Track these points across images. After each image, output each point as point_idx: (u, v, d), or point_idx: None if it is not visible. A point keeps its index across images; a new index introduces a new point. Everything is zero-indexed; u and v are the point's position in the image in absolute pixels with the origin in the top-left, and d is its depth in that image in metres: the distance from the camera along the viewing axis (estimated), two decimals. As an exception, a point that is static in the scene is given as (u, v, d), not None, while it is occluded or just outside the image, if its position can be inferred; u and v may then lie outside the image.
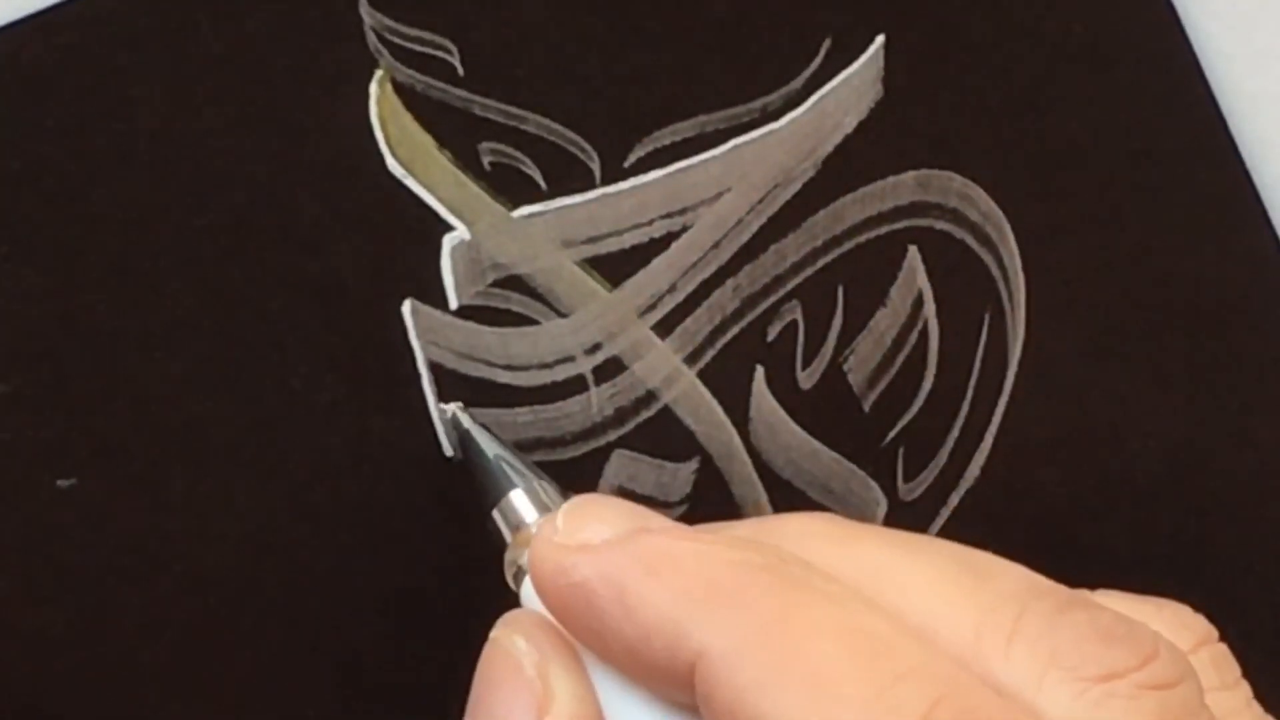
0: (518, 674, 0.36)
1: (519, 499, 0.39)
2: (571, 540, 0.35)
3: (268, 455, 0.41)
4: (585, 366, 0.42)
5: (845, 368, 0.42)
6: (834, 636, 0.32)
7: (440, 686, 0.42)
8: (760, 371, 0.42)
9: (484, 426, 0.42)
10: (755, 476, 0.42)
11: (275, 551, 0.41)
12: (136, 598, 0.41)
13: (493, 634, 0.37)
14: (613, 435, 0.42)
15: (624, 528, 0.35)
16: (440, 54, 0.41)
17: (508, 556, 0.39)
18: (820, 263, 0.42)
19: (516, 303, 0.42)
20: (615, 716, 0.35)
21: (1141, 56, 0.43)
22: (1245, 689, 0.36)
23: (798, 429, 0.42)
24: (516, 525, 0.39)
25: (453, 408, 0.42)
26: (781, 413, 0.42)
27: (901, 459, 0.43)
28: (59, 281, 0.41)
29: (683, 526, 0.36)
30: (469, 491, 0.40)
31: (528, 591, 0.37)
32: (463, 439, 0.41)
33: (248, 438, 0.41)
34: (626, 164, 0.42)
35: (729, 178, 0.42)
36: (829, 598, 0.33)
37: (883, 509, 0.43)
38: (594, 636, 0.35)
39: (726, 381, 0.42)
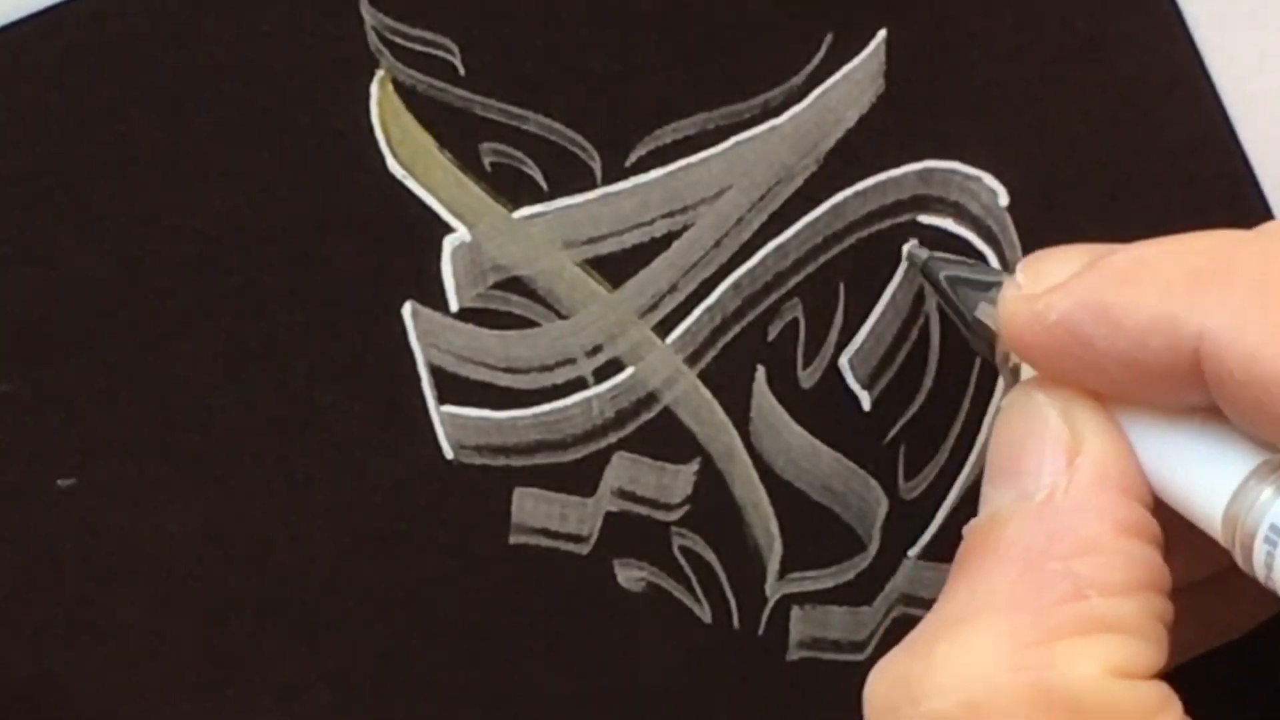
0: (1042, 424, 0.35)
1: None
2: (1038, 288, 0.35)
3: (267, 456, 0.41)
4: (586, 368, 0.42)
5: (846, 366, 0.42)
6: None
7: (440, 686, 0.42)
8: (761, 371, 0.42)
9: (938, 256, 0.41)
10: (755, 477, 0.42)
11: (275, 552, 0.42)
12: (137, 598, 0.41)
13: (1004, 402, 0.37)
14: (613, 437, 0.42)
15: (1082, 261, 0.35)
16: (441, 54, 0.41)
17: (999, 354, 0.38)
18: (821, 259, 0.42)
19: (517, 305, 0.41)
20: (1144, 447, 0.35)
21: (1143, 51, 0.43)
22: None
23: (798, 429, 0.42)
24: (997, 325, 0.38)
25: (909, 247, 0.42)
26: (782, 412, 0.42)
27: (902, 457, 0.43)
28: (59, 281, 0.41)
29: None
30: (470, 496, 0.40)
31: (1028, 374, 0.37)
32: (924, 270, 0.41)
33: (248, 439, 0.41)
34: (628, 163, 0.41)
35: (730, 175, 0.42)
36: None
37: (883, 508, 0.43)
38: (1086, 368, 0.35)
39: (727, 382, 0.42)
